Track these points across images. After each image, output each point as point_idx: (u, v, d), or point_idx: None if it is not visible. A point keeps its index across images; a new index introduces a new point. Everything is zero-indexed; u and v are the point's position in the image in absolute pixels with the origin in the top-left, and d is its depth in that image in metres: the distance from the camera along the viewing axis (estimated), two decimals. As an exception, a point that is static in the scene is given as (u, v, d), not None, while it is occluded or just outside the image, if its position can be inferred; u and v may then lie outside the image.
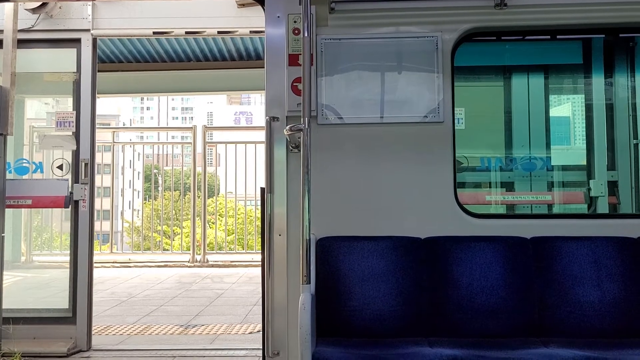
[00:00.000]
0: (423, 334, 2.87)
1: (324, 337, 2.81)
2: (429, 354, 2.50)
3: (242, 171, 8.72)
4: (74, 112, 4.44)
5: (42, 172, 4.60)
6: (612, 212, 4.04)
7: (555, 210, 4.17)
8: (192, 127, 8.59)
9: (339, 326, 2.90)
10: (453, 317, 2.89)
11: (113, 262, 8.21)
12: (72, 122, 4.42)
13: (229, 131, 11.48)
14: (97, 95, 4.56)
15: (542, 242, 3.02)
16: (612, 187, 4.06)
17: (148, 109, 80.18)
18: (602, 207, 4.02)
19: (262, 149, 8.43)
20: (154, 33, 4.64)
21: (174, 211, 8.84)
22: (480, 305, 2.89)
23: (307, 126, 2.61)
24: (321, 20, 3.19)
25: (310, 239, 2.60)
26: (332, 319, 2.90)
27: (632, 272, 2.93)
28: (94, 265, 4.53)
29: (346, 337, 2.84)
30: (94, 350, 4.31)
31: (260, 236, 3.23)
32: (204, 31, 4.61)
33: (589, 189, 4.09)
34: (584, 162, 4.24)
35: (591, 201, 4.08)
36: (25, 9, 4.38)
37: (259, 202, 3.50)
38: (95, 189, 4.56)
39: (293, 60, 3.17)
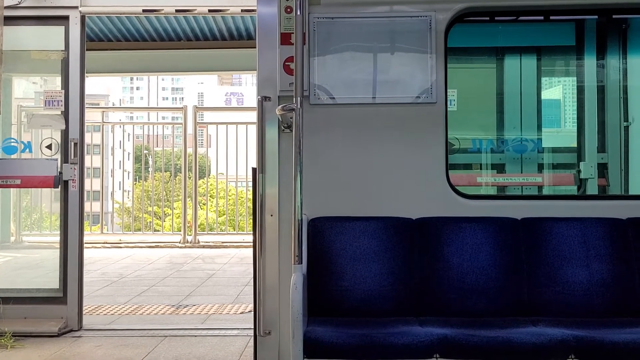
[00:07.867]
0: (414, 314, 2.90)
1: (315, 316, 2.83)
2: (419, 333, 2.52)
3: (233, 152, 8.69)
4: (63, 91, 4.38)
5: (30, 151, 4.55)
6: (602, 194, 4.07)
7: (546, 191, 4.20)
8: (182, 108, 8.52)
9: (331, 306, 2.91)
10: (443, 297, 2.92)
11: (104, 243, 8.19)
12: (61, 101, 4.36)
13: (220, 112, 11.38)
14: (86, 74, 4.49)
15: (532, 222, 3.04)
16: (602, 169, 4.09)
17: (138, 89, 79.40)
18: (592, 188, 4.05)
19: (253, 130, 8.40)
20: (143, 11, 4.57)
21: (164, 192, 8.81)
22: (470, 285, 2.91)
23: (299, 106, 2.59)
24: (314, -1, 3.15)
25: (302, 219, 2.60)
26: (323, 298, 2.92)
27: (620, 253, 2.96)
28: (85, 245, 4.51)
29: (337, 316, 2.86)
30: (85, 329, 4.31)
31: (251, 217, 3.22)
32: (195, 9, 4.55)
33: (579, 171, 4.11)
34: (575, 145, 4.26)
35: (581, 183, 4.11)
36: (12, -15, 4.30)
37: (249, 184, 3.49)
38: (85, 169, 4.52)
39: (285, 39, 3.14)
